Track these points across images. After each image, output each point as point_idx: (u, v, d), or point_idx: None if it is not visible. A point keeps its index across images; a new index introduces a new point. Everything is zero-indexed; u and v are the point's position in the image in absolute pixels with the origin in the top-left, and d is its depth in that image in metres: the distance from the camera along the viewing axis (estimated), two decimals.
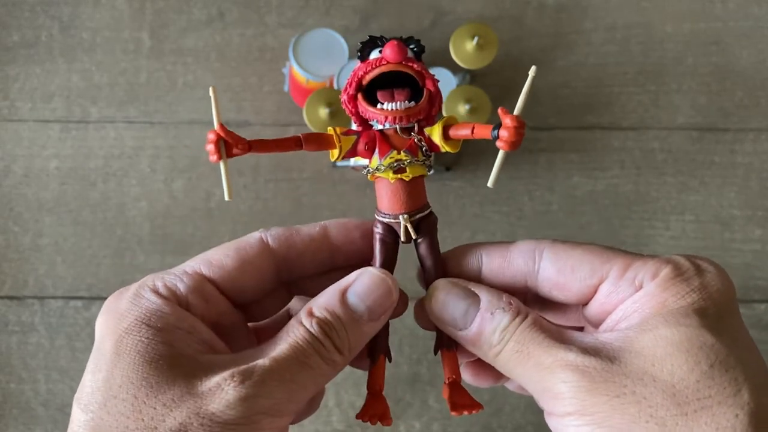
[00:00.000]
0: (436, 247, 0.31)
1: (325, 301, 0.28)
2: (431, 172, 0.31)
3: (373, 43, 0.29)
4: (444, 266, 0.31)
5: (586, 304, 0.28)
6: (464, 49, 0.60)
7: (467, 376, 0.33)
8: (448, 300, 0.29)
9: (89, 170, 0.64)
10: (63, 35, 0.66)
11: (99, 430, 0.24)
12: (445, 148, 0.30)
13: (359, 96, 0.29)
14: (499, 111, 0.27)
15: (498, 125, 0.27)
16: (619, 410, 0.23)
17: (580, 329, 0.31)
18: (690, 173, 0.65)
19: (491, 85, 0.65)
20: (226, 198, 0.27)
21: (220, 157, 0.28)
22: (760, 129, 0.66)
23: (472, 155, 0.65)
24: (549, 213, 0.64)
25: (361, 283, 0.28)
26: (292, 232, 0.30)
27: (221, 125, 0.28)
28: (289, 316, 0.35)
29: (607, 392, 0.24)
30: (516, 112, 0.27)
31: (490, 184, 0.28)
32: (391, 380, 0.63)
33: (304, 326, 0.27)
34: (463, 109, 0.58)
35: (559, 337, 0.26)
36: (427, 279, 0.31)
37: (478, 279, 0.30)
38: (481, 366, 0.32)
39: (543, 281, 0.29)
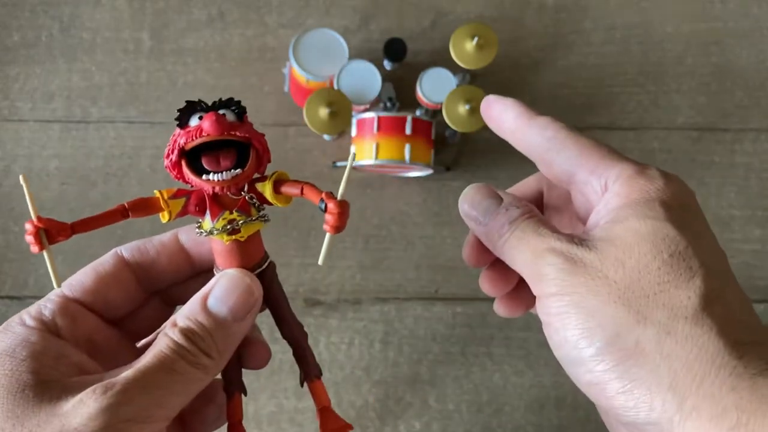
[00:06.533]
0: (280, 295, 0.32)
1: (187, 310, 0.29)
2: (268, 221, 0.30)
3: (192, 109, 0.28)
4: (291, 311, 0.32)
5: (568, 193, 0.31)
6: (464, 49, 0.60)
7: (501, 311, 0.35)
8: (477, 196, 0.31)
9: (89, 170, 0.64)
10: (63, 35, 0.66)
11: None
12: (276, 203, 0.29)
13: (183, 162, 0.28)
14: (323, 195, 0.28)
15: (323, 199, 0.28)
16: (593, 291, 0.26)
17: None
18: (690, 173, 0.65)
19: (491, 85, 0.65)
20: (55, 287, 0.27)
21: (42, 248, 0.27)
22: (759, 129, 0.66)
23: (472, 155, 0.65)
24: None
25: (220, 287, 0.29)
26: (145, 241, 0.32)
27: (38, 216, 0.27)
28: None
29: (585, 275, 0.26)
30: (339, 196, 0.27)
31: (320, 262, 0.28)
32: (392, 380, 0.64)
33: (168, 336, 0.28)
34: (463, 109, 0.58)
35: (554, 229, 0.29)
36: (283, 329, 0.32)
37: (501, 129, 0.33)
38: (513, 299, 0.34)
39: (545, 152, 0.31)
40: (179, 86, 0.65)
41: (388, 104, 0.62)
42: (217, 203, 0.29)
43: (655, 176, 0.28)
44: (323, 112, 0.57)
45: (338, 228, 0.27)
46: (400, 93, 0.64)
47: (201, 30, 0.67)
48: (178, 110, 0.28)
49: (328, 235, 0.28)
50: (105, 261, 0.32)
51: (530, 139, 0.31)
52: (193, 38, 0.66)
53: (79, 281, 0.31)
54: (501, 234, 0.30)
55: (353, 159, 0.28)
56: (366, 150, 0.59)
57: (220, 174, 0.28)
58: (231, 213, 0.29)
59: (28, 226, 0.27)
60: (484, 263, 0.34)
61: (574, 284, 0.26)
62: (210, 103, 0.28)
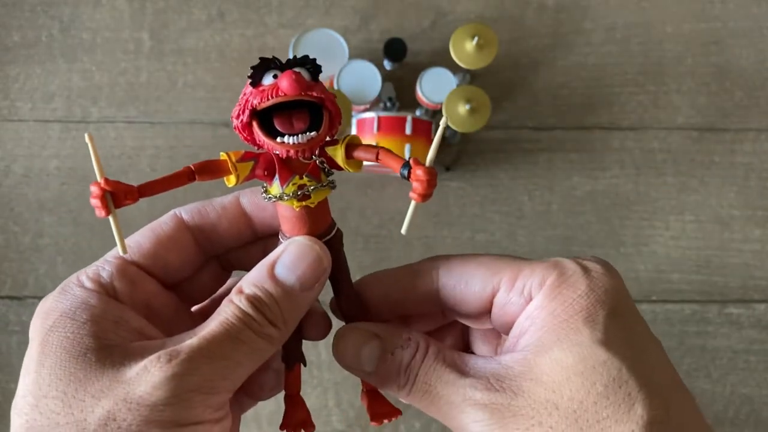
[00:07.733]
0: (344, 266, 0.31)
1: (254, 277, 0.27)
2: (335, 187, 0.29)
3: (266, 66, 0.26)
4: (352, 284, 0.31)
5: (489, 313, 0.29)
6: (464, 49, 0.60)
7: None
8: (348, 347, 0.29)
9: (89, 170, 0.64)
10: (63, 35, 0.66)
11: (33, 431, 0.24)
12: (348, 168, 0.28)
13: (254, 124, 0.27)
14: (411, 161, 0.26)
15: (407, 163, 0.26)
16: None
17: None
18: (690, 173, 0.65)
19: (491, 85, 0.65)
20: (121, 253, 0.26)
21: (108, 212, 0.26)
22: (759, 129, 0.66)
23: (472, 155, 0.65)
24: (549, 213, 0.64)
25: (289, 255, 0.28)
26: (205, 203, 0.30)
27: (105, 178, 0.26)
28: None
29: (516, 426, 0.24)
30: (428, 163, 0.26)
31: (403, 231, 0.27)
32: None
33: (234, 303, 0.26)
34: (463, 109, 0.58)
35: (462, 368, 0.26)
36: (341, 301, 0.31)
37: (390, 303, 0.30)
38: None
39: (444, 298, 0.29)
40: (179, 86, 0.65)
41: (388, 104, 0.62)
42: (287, 167, 0.27)
43: (577, 280, 0.26)
44: None
45: (426, 196, 0.26)
46: (400, 93, 0.64)
47: (201, 30, 0.67)
48: (252, 67, 0.26)
49: (413, 204, 0.27)
50: (164, 223, 0.30)
51: (422, 289, 0.29)
52: (193, 38, 0.66)
53: (137, 243, 0.29)
54: (399, 385, 0.27)
55: (445, 124, 0.26)
56: None
57: (295, 137, 0.26)
58: (301, 178, 0.27)
59: (94, 189, 0.25)
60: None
61: None
62: (284, 61, 0.27)
